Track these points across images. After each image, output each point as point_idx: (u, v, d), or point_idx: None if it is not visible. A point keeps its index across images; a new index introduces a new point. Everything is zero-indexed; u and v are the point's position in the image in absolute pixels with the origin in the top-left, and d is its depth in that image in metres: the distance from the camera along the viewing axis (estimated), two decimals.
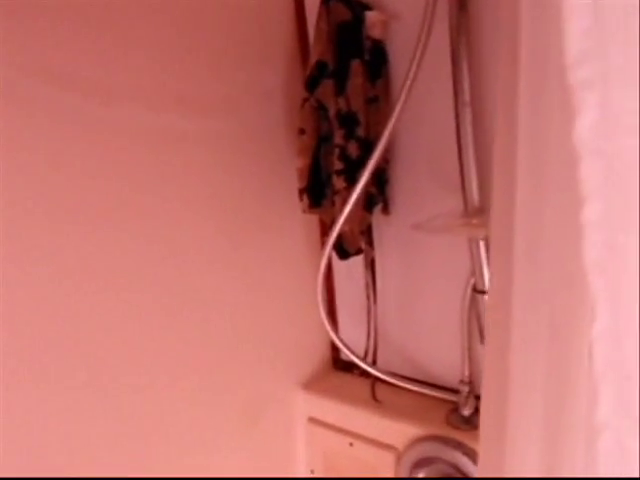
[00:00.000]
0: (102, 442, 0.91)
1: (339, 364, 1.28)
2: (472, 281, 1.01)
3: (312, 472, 1.19)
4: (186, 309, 1.00)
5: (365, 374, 1.16)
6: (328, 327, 1.14)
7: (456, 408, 1.06)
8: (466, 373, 1.05)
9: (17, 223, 0.79)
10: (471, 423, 1.03)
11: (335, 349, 1.28)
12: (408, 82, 0.87)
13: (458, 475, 1.01)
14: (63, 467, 0.86)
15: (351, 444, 1.11)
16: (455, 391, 1.07)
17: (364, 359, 1.11)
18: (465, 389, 1.04)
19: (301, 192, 1.00)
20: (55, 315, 0.83)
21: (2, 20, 0.74)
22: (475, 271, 0.99)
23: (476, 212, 0.96)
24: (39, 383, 0.83)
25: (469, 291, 1.02)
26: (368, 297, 1.12)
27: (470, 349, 1.04)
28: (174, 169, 0.95)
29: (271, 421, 1.17)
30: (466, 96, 0.90)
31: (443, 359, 1.11)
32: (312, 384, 1.21)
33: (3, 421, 0.79)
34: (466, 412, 1.04)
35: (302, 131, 0.97)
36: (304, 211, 1.02)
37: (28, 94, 0.78)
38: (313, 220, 1.16)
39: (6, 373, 0.79)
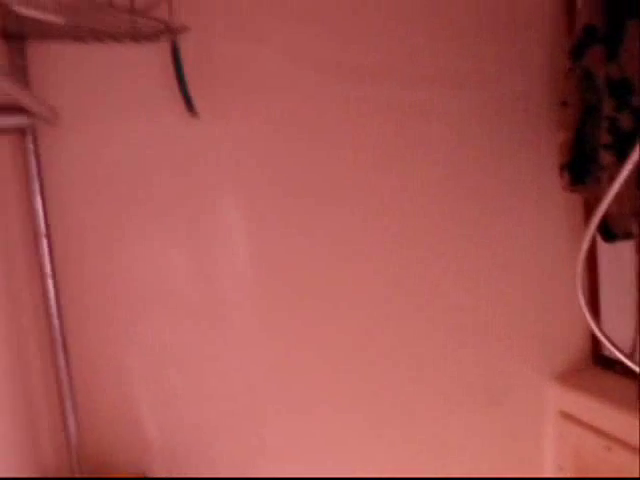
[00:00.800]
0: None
1: (600, 360, 1.16)
2: None
3: (560, 469, 1.12)
4: (438, 289, 1.04)
5: (630, 373, 1.03)
6: (589, 318, 1.05)
7: None
8: None
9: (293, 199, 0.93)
10: None
11: (596, 343, 1.17)
12: None
13: None
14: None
15: (609, 448, 1.01)
16: None
17: (630, 356, 0.99)
18: None
19: (562, 168, 0.94)
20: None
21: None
22: None
23: None
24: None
25: None
26: (639, 287, 1.00)
27: None
28: (427, 142, 1.00)
29: (518, 407, 1.13)
30: None
31: None
32: (567, 377, 1.13)
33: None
34: None
35: (564, 103, 0.91)
36: (564, 189, 0.95)
37: (305, 82, 0.91)
38: (575, 199, 1.07)
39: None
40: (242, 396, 0.97)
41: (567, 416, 1.10)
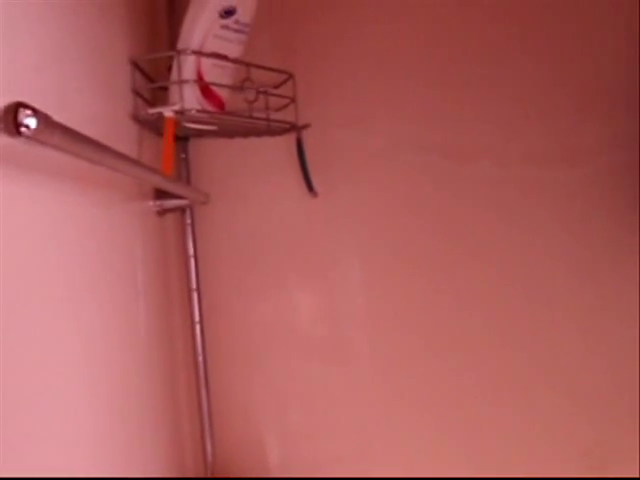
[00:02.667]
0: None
1: None
2: None
3: None
4: (541, 359, 1.11)
5: None
6: None
7: None
8: None
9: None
10: None
11: None
12: None
13: None
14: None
15: None
16: None
17: None
18: None
19: None
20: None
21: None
22: None
23: None
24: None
25: None
26: None
27: None
28: (522, 216, 1.09)
29: (619, 475, 1.13)
30: None
31: None
32: None
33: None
34: None
35: None
36: None
37: (408, 161, 1.06)
38: None
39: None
40: (355, 435, 1.10)
41: None
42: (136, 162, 0.61)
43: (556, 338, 1.11)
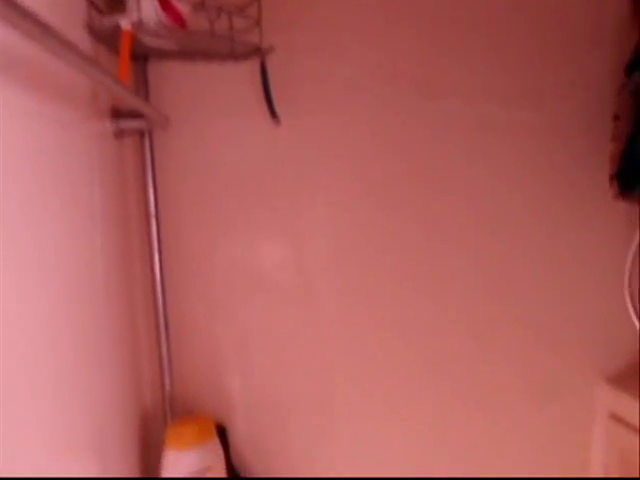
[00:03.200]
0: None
1: None
2: None
3: (606, 468, 1.15)
4: (500, 288, 1.13)
5: None
6: (636, 322, 1.10)
7: None
8: None
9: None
10: None
11: None
12: None
13: None
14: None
15: None
16: None
17: None
18: None
19: (612, 178, 1.00)
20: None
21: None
22: None
23: None
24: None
25: None
26: None
27: None
28: (490, 153, 1.09)
29: (569, 406, 1.18)
30: None
31: None
32: (618, 380, 1.16)
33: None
34: None
35: (617, 117, 0.97)
36: (614, 197, 1.01)
37: (375, 92, 1.04)
38: (624, 208, 1.11)
39: None
40: (316, 372, 1.12)
41: (616, 417, 1.13)
42: (90, 59, 0.57)
43: (514, 270, 1.13)
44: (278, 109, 1.00)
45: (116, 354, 0.87)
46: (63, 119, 0.69)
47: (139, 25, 0.79)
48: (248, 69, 1.01)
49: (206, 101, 1.03)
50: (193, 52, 0.96)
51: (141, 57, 0.96)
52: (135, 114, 0.93)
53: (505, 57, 1.08)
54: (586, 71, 1.08)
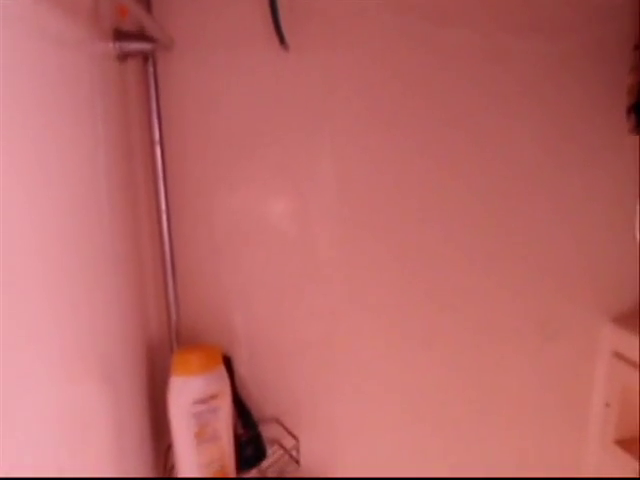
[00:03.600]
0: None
1: None
2: None
3: (607, 405, 1.17)
4: (506, 222, 1.12)
5: None
6: None
7: None
8: None
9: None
10: None
11: None
12: None
13: None
14: None
15: None
16: None
17: None
18: None
19: (629, 110, 0.97)
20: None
21: None
22: None
23: None
24: None
25: None
26: None
27: None
28: (500, 86, 1.06)
29: (572, 345, 1.19)
30: None
31: None
32: (622, 319, 1.17)
33: None
34: None
35: (637, 47, 0.94)
36: (630, 131, 0.98)
37: (386, 21, 1.01)
38: (637, 144, 1.09)
39: None
40: (319, 321, 1.12)
41: (619, 355, 1.15)
42: None
43: (521, 205, 1.12)
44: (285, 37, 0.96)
45: (121, 281, 0.86)
46: (65, 39, 0.66)
47: None
48: None
49: (211, 26, 0.99)
50: None
51: None
52: (138, 36, 0.90)
53: None
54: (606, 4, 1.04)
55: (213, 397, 0.92)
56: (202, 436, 0.92)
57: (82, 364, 0.66)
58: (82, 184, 0.69)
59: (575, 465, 1.23)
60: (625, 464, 1.11)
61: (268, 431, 1.09)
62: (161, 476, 1.01)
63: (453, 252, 1.12)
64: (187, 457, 0.93)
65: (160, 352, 1.03)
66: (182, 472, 0.94)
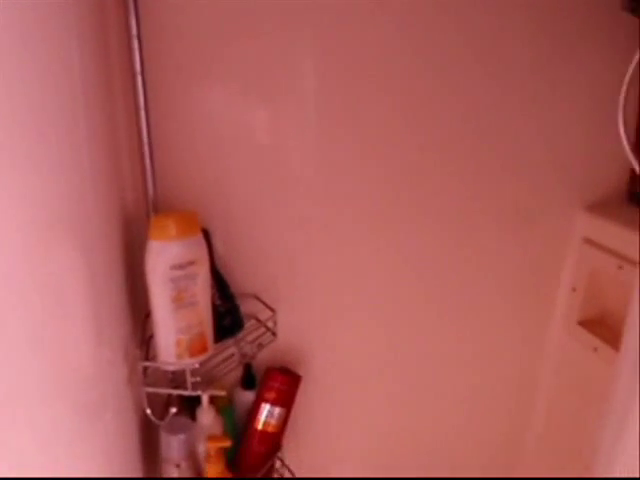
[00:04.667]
0: None
1: (635, 198, 1.21)
2: None
3: (574, 289, 1.22)
4: (479, 109, 1.11)
5: None
6: (629, 153, 1.09)
7: None
8: None
9: None
10: None
11: (634, 181, 1.20)
12: None
13: None
14: None
15: (620, 267, 1.09)
16: None
17: None
18: None
19: None
20: None
21: None
22: None
23: None
24: None
25: None
26: None
27: None
28: None
29: (545, 231, 1.21)
30: None
31: None
32: (597, 208, 1.19)
33: None
34: None
35: None
36: (623, 8, 0.96)
37: None
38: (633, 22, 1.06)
39: None
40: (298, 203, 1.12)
41: (589, 242, 1.18)
42: None
43: (502, 95, 1.10)
44: None
45: (94, 149, 0.83)
46: None
47: None
48: None
49: None
50: None
51: None
52: None
53: None
54: None
55: (191, 263, 0.92)
56: (180, 301, 0.93)
57: (54, 231, 0.65)
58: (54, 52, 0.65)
59: (539, 342, 1.29)
60: (586, 342, 1.17)
61: (246, 307, 1.11)
62: (138, 344, 1.03)
63: (431, 148, 1.11)
64: (165, 322, 0.94)
65: (137, 224, 1.02)
66: (160, 337, 0.96)
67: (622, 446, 0.63)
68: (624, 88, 1.01)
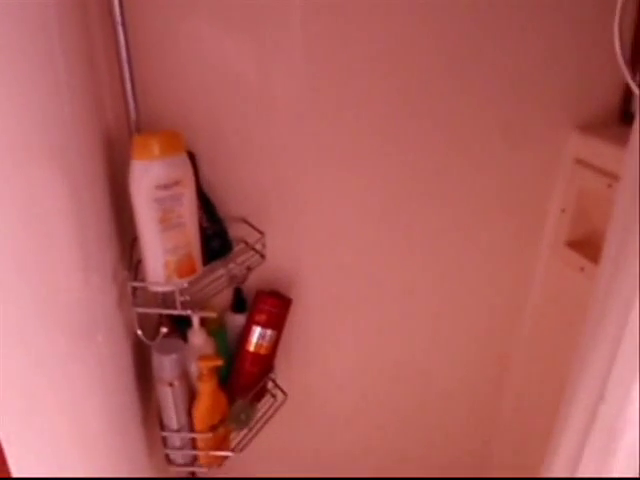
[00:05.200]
0: None
1: (629, 118, 1.18)
2: None
3: (563, 211, 1.22)
4: (472, 30, 1.06)
5: None
6: (624, 69, 1.06)
7: None
8: None
9: None
10: None
11: (627, 100, 1.18)
12: None
13: None
14: None
15: (609, 185, 1.08)
16: None
17: None
18: None
19: None
20: None
21: None
22: None
23: None
24: None
25: None
26: None
27: None
28: None
29: (535, 152, 1.20)
30: None
31: None
32: (590, 129, 1.17)
33: None
34: None
35: None
36: None
37: None
38: None
39: None
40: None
41: (580, 162, 1.16)
42: None
43: (495, 13, 1.06)
44: None
45: (70, 69, 0.80)
46: None
47: None
48: None
49: None
50: None
51: None
52: None
53: None
54: None
55: (176, 183, 0.91)
56: (166, 222, 0.92)
57: (32, 154, 0.62)
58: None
59: (528, 264, 1.31)
60: (573, 262, 1.18)
61: (235, 231, 1.11)
62: (127, 267, 1.03)
63: (419, 69, 1.07)
64: (152, 243, 0.94)
65: (120, 146, 1.00)
66: (148, 259, 0.95)
67: (597, 353, 0.65)
68: (617, 17, 0.97)
